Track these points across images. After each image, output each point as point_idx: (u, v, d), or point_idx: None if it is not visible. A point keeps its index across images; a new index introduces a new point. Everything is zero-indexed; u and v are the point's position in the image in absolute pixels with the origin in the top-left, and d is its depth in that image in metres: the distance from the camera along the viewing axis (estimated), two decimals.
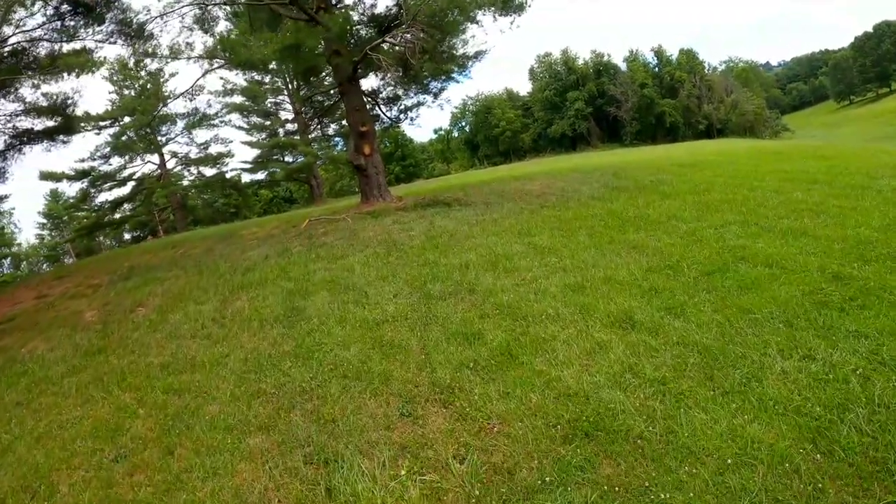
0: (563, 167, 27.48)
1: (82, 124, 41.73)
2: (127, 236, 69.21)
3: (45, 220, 75.00)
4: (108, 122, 44.06)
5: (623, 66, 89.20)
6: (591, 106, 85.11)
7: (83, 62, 17.27)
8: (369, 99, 20.28)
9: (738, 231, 8.73)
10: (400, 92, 20.42)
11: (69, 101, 19.86)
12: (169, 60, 17.06)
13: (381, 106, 21.00)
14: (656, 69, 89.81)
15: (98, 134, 44.19)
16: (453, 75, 18.63)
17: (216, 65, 17.92)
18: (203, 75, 17.12)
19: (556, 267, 7.90)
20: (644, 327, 5.46)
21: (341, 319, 7.03)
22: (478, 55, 18.68)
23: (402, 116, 21.82)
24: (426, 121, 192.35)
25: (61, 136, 21.52)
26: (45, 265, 70.07)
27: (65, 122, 20.92)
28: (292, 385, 5.44)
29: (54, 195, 71.12)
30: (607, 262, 7.79)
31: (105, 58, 18.01)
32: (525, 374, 4.96)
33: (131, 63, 18.48)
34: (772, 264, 6.84)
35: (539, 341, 5.53)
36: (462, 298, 7.13)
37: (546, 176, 20.80)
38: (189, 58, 17.03)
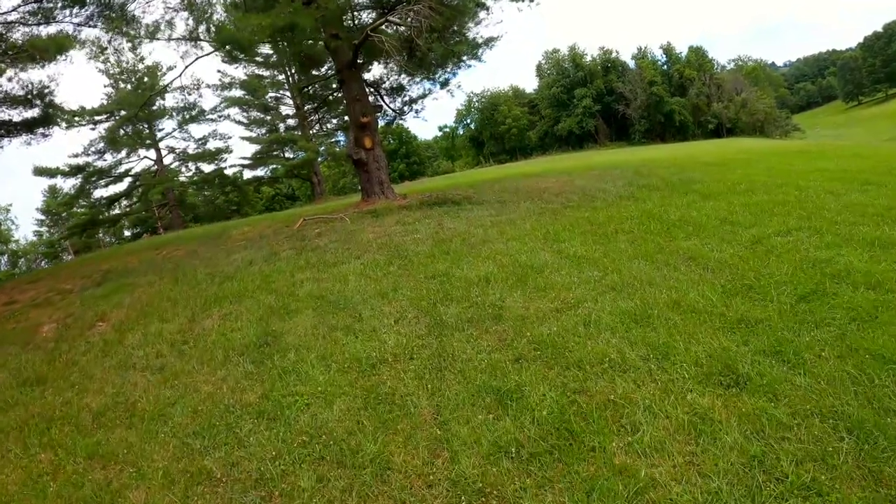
0: (576, 165, 25.83)
1: (76, 118, 40.39)
2: (127, 233, 67.95)
3: (43, 217, 73.57)
4: (103, 117, 42.57)
5: (631, 64, 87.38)
6: (599, 103, 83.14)
7: (59, 44, 15.68)
8: (371, 89, 18.71)
9: (811, 240, 7.11)
10: (405, 81, 18.84)
11: (46, 90, 18.28)
12: (146, 41, 15.46)
13: (384, 97, 19.40)
14: (665, 67, 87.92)
15: (94, 129, 42.83)
16: (464, 59, 17.01)
17: (204, 49, 16.35)
18: (193, 61, 15.45)
19: (601, 284, 6.27)
20: (755, 385, 3.83)
21: (325, 356, 5.43)
22: (489, 42, 17.10)
23: (406, 108, 20.23)
24: (431, 116, 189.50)
25: (41, 129, 19.92)
26: (43, 262, 68.60)
27: (44, 112, 19.35)
28: (248, 467, 3.85)
29: (52, 191, 69.57)
30: (666, 279, 6.17)
31: (82, 38, 16.40)
32: (599, 472, 3.31)
33: (107, 44, 16.63)
34: (876, 286, 5.25)
35: (608, 407, 3.91)
36: (486, 329, 5.49)
37: (561, 173, 19.22)
38: (170, 38, 15.45)
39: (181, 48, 16.24)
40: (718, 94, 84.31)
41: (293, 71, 41.42)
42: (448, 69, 17.37)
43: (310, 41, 14.95)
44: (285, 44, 15.53)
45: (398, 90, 19.52)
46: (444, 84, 18.69)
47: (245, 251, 12.45)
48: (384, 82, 19.26)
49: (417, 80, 18.19)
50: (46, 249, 70.77)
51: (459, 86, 18.71)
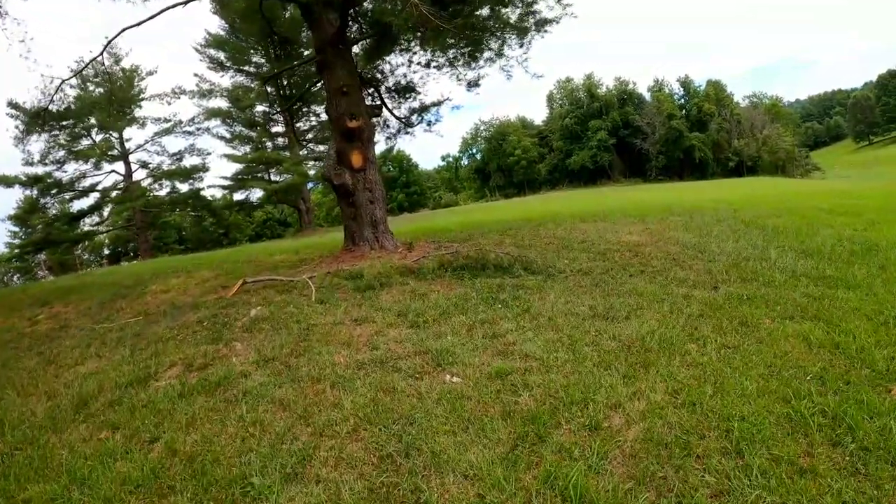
0: (611, 205, 20.05)
1: (39, 122, 34.71)
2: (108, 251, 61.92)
3: (17, 228, 67.36)
4: (69, 122, 36.91)
5: (647, 96, 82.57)
6: (615, 137, 78.04)
7: None
8: (368, 88, 13.04)
9: None
10: (416, 76, 13.12)
11: None
12: None
13: (386, 100, 13.68)
14: (682, 100, 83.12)
15: (56, 135, 37.21)
16: (506, 38, 11.30)
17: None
18: (161, 11, 9.60)
19: None
20: None
21: None
22: (542, 26, 11.45)
23: (414, 118, 14.48)
24: (433, 144, 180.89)
25: None
26: (16, 277, 62.12)
27: None
28: None
29: (28, 201, 63.53)
30: None
31: None
32: None
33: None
34: None
35: None
36: None
37: (627, 218, 13.54)
38: None
39: None
40: (739, 131, 79.36)
41: (281, 87, 35.85)
42: (482, 54, 11.62)
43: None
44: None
45: (405, 91, 13.79)
46: (473, 84, 12.95)
47: (111, 352, 6.74)
48: (386, 78, 13.56)
49: (439, 67, 12.40)
50: (19, 264, 64.49)
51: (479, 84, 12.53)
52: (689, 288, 6.70)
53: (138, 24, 11.41)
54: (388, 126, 14.63)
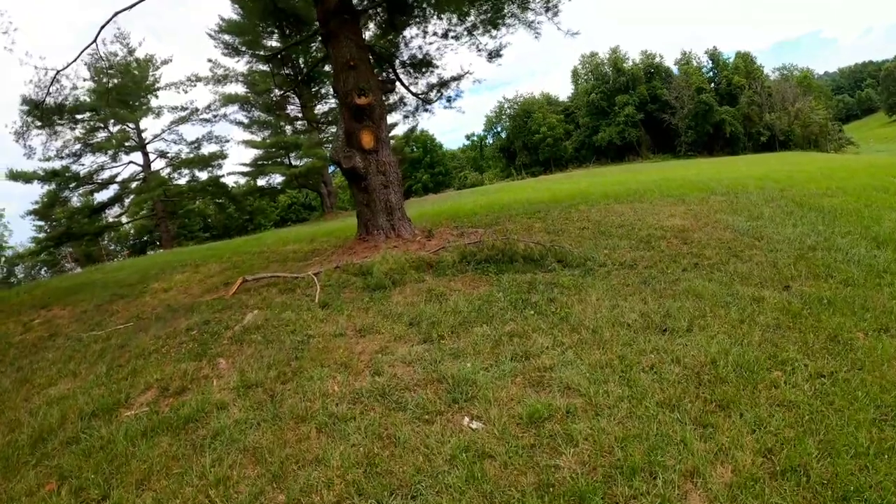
0: (644, 183, 18.60)
1: (54, 117, 34.20)
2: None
3: (42, 222, 67.69)
4: (86, 115, 36.39)
5: (675, 70, 79.82)
6: (642, 112, 75.62)
7: None
8: (382, 63, 12.01)
9: None
10: (433, 48, 12.03)
11: None
12: None
13: (401, 76, 12.62)
14: (710, 74, 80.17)
15: (73, 129, 36.69)
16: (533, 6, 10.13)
17: None
18: None
19: None
20: None
21: None
22: None
23: (434, 94, 13.40)
24: (458, 123, 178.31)
25: None
26: (43, 271, 62.50)
27: None
28: None
29: (49, 195, 63.71)
30: None
31: None
32: None
33: None
34: None
35: None
36: None
37: (646, 197, 12.46)
38: None
39: None
40: (770, 104, 76.39)
41: (301, 68, 34.72)
42: (503, 20, 10.46)
43: None
44: None
45: (422, 65, 12.71)
46: (494, 55, 11.81)
47: (89, 369, 6.01)
48: (400, 51, 12.48)
49: (457, 37, 11.27)
50: (46, 257, 64.85)
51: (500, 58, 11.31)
52: (756, 287, 5.62)
53: (130, 6, 10.53)
54: (404, 104, 13.59)
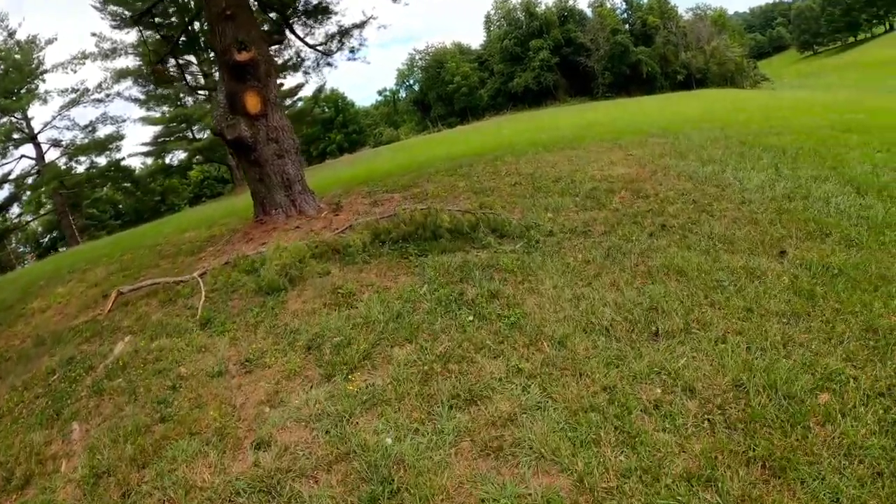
0: (568, 128, 17.55)
1: None
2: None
3: None
4: None
5: (589, 13, 79.37)
6: (558, 55, 74.90)
7: None
8: (270, 13, 10.20)
9: None
10: None
11: None
12: None
13: (296, 27, 10.83)
14: (625, 15, 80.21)
15: None
16: None
17: None
18: None
19: None
20: None
21: None
22: None
23: (334, 45, 11.69)
24: (368, 79, 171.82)
25: None
26: None
27: None
28: None
29: None
30: None
31: None
32: None
33: None
34: None
35: None
36: None
37: (578, 144, 11.32)
38: None
39: None
40: (685, 43, 77.33)
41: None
42: None
43: None
44: None
45: (318, 13, 10.96)
46: None
47: None
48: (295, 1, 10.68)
49: None
50: None
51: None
52: (747, 255, 4.47)
53: None
54: (301, 59, 11.82)
